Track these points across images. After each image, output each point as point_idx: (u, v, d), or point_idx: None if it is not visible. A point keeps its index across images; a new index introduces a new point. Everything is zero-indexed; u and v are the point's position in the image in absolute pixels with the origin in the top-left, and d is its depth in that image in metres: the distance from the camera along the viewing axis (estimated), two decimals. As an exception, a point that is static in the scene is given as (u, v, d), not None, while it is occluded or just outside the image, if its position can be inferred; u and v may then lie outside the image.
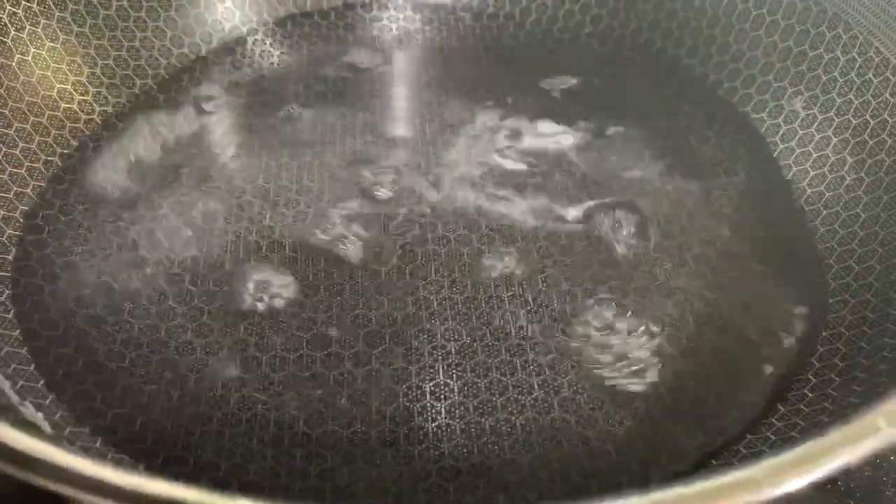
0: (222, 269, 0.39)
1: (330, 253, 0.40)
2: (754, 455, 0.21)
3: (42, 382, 0.34)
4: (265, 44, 0.54)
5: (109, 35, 0.48)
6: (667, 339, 0.37)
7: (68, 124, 0.45)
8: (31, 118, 0.43)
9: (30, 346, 0.35)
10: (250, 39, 0.54)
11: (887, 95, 0.41)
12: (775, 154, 0.46)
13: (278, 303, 0.38)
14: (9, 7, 0.43)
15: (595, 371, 0.36)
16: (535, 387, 0.35)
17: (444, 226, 0.42)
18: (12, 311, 0.36)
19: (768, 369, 0.36)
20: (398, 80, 0.52)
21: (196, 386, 0.35)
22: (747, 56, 0.49)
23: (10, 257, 0.39)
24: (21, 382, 0.33)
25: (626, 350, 0.37)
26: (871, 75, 0.42)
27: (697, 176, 0.45)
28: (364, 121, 0.48)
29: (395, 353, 0.36)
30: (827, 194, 0.43)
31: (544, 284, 0.39)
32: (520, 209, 0.43)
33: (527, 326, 0.37)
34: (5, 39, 0.43)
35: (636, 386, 0.35)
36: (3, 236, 0.39)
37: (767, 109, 0.48)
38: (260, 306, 0.38)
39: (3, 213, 0.40)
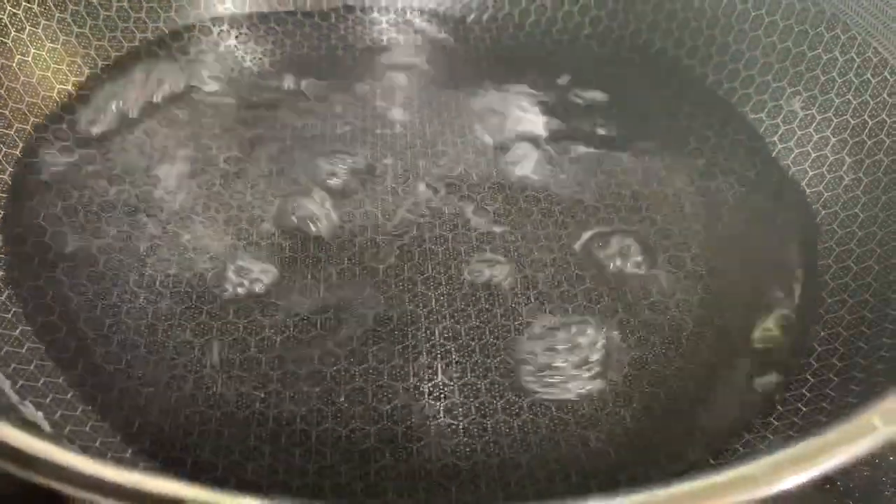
0: (222, 269, 0.39)
1: (327, 251, 0.40)
2: (753, 454, 0.21)
3: (41, 382, 0.34)
4: (265, 43, 0.54)
5: (110, 36, 0.49)
6: (665, 339, 0.37)
7: (68, 125, 0.45)
8: (32, 119, 0.43)
9: (29, 346, 0.36)
10: (251, 40, 0.54)
11: (885, 96, 0.41)
12: (774, 154, 0.46)
13: (277, 301, 0.38)
14: (9, 8, 0.43)
15: (593, 371, 0.36)
16: (535, 387, 0.35)
17: (442, 225, 0.42)
18: (12, 311, 0.37)
19: (767, 369, 0.36)
20: (397, 81, 0.52)
21: (194, 385, 0.35)
22: (746, 56, 0.49)
23: (9, 257, 0.39)
24: (21, 382, 0.33)
25: (626, 350, 0.37)
26: (869, 75, 0.42)
27: (696, 176, 0.45)
28: (363, 121, 0.48)
29: (393, 351, 0.36)
30: (825, 194, 0.43)
31: (543, 284, 0.39)
32: (518, 209, 0.43)
33: (526, 326, 0.37)
34: (6, 40, 0.43)
35: (635, 386, 0.35)
36: (2, 234, 0.39)
37: (766, 109, 0.48)
38: (258, 305, 0.38)
39: (3, 212, 0.40)
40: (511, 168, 0.45)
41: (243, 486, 0.31)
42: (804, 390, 0.35)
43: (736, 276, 0.40)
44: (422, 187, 0.44)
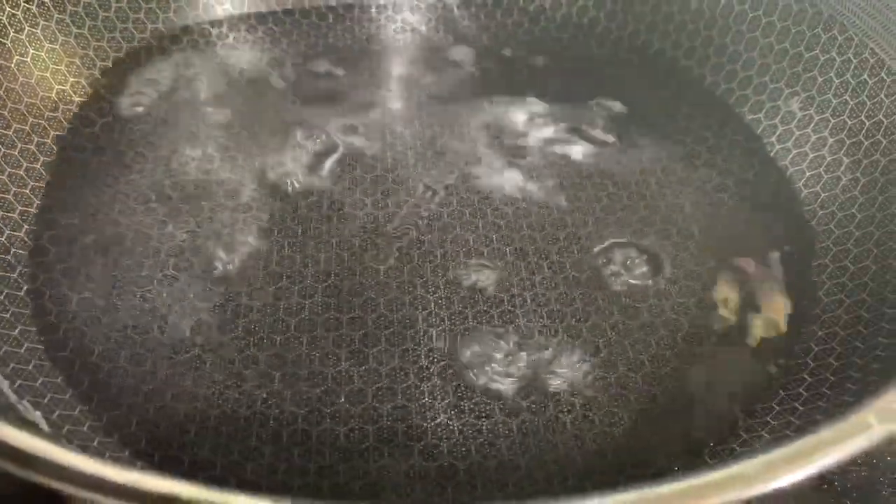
0: (219, 269, 0.40)
1: (328, 253, 0.41)
2: (749, 453, 0.22)
3: (40, 382, 0.34)
4: (264, 43, 0.54)
5: (108, 37, 0.49)
6: (662, 339, 0.37)
7: (67, 125, 0.45)
8: (31, 119, 0.43)
9: (27, 346, 0.36)
10: (250, 41, 0.54)
11: (882, 96, 0.42)
12: (772, 155, 0.46)
13: (276, 301, 0.38)
14: (8, 9, 0.43)
15: (592, 372, 0.36)
16: (532, 388, 0.35)
17: (442, 227, 0.42)
18: (10, 310, 0.37)
19: (764, 369, 0.36)
20: (396, 82, 0.52)
21: (193, 384, 0.35)
22: (744, 58, 0.49)
23: (8, 257, 0.39)
24: (19, 382, 0.33)
25: (622, 352, 0.37)
26: (866, 76, 0.42)
27: (694, 176, 0.46)
28: (362, 122, 0.49)
29: (393, 353, 0.36)
30: (823, 195, 0.43)
31: (540, 287, 0.39)
32: (515, 210, 0.43)
33: (525, 328, 0.37)
34: (4, 41, 0.43)
35: (631, 387, 0.35)
36: (2, 236, 0.39)
37: (764, 111, 0.48)
38: (258, 305, 0.38)
39: (2, 213, 0.40)
40: (510, 169, 0.45)
41: (242, 486, 0.31)
42: (801, 389, 0.35)
43: (734, 277, 0.40)
44: (420, 189, 0.44)
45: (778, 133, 0.47)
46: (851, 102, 0.43)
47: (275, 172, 0.45)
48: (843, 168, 0.43)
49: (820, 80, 0.45)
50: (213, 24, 0.54)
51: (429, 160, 0.46)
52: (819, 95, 0.45)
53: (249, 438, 0.33)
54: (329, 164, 0.46)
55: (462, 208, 0.43)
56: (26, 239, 0.40)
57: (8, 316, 0.36)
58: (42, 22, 0.45)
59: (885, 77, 0.41)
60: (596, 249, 0.41)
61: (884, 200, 0.40)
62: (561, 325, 0.38)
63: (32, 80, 0.44)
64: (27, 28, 0.44)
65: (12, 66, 0.43)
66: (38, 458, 0.21)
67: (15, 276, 0.38)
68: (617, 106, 0.50)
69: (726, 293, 0.39)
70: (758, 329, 0.38)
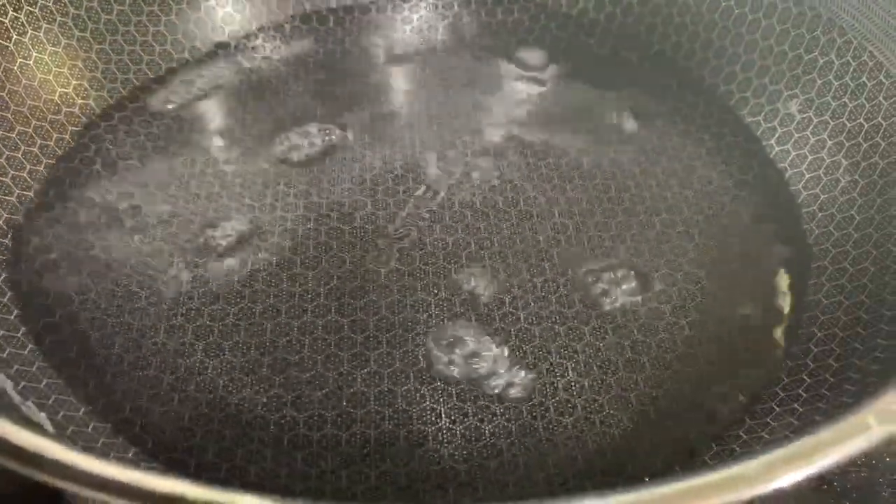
0: (222, 272, 0.40)
1: (329, 254, 0.41)
2: (748, 454, 0.22)
3: (44, 383, 0.34)
4: (265, 48, 0.54)
5: (111, 39, 0.49)
6: (663, 343, 0.37)
7: (70, 128, 0.46)
8: (34, 122, 0.43)
9: (32, 348, 0.36)
10: (251, 43, 0.54)
11: (881, 99, 0.42)
12: (771, 157, 0.46)
13: (279, 304, 0.38)
14: (11, 11, 0.43)
15: (591, 373, 0.36)
16: (533, 390, 0.35)
17: (443, 229, 0.42)
18: (14, 312, 0.37)
19: (763, 370, 0.36)
20: (397, 83, 0.53)
21: (196, 388, 0.35)
22: (743, 60, 0.49)
23: (11, 260, 0.39)
24: (23, 383, 0.33)
25: (622, 353, 0.37)
26: (865, 79, 0.43)
27: (693, 178, 0.46)
28: (362, 123, 0.49)
29: (394, 356, 0.36)
30: (822, 197, 0.43)
31: (542, 289, 0.39)
32: (518, 212, 0.43)
33: (526, 330, 0.38)
34: (7, 44, 0.43)
35: (631, 388, 0.36)
36: (6, 238, 0.39)
37: (763, 113, 0.48)
38: (259, 308, 0.38)
39: (6, 215, 0.40)
40: (510, 170, 0.46)
41: (245, 489, 0.31)
42: (800, 390, 0.35)
43: (732, 278, 0.40)
44: (421, 190, 0.44)
45: (777, 135, 0.47)
46: (850, 105, 0.43)
47: (275, 174, 0.45)
48: (841, 170, 0.43)
49: (819, 82, 0.45)
50: (219, 27, 0.54)
51: (429, 161, 0.46)
52: (818, 98, 0.45)
53: (252, 443, 0.33)
54: (329, 165, 0.46)
55: (463, 209, 0.43)
56: (31, 241, 0.40)
57: (12, 318, 0.36)
58: (45, 25, 0.45)
59: (884, 80, 0.42)
60: (596, 250, 0.41)
61: (882, 203, 0.40)
62: (562, 328, 0.38)
63: (35, 83, 0.44)
64: (30, 31, 0.44)
65: (15, 68, 0.43)
66: (44, 457, 0.21)
67: (18, 277, 0.38)
68: (616, 107, 0.50)
69: (726, 294, 0.40)
70: (757, 331, 0.38)
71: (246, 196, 0.44)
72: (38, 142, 0.43)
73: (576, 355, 0.37)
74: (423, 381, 0.35)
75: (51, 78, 0.45)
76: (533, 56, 0.54)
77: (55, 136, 0.44)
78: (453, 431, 0.34)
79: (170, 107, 0.49)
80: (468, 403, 0.35)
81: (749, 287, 0.40)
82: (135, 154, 0.46)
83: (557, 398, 0.35)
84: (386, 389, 0.35)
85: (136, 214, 0.42)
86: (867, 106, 0.42)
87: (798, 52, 0.47)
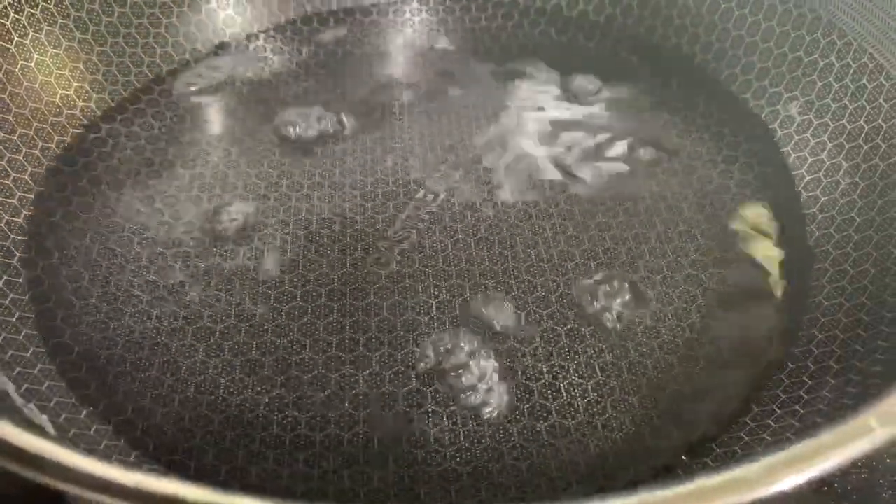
0: (222, 275, 0.40)
1: (330, 257, 0.41)
2: (750, 456, 0.22)
3: (46, 385, 0.34)
4: (266, 49, 0.54)
5: (112, 41, 0.49)
6: (665, 345, 0.37)
7: (71, 130, 0.46)
8: (35, 124, 0.43)
9: (34, 350, 0.36)
10: (252, 45, 0.54)
11: (881, 101, 0.42)
12: (772, 158, 0.46)
13: (279, 306, 0.38)
14: (12, 14, 0.43)
15: (593, 376, 0.36)
16: (535, 392, 0.35)
17: (443, 231, 0.42)
18: (16, 314, 0.37)
19: (764, 372, 0.36)
20: (398, 85, 0.53)
21: (197, 390, 0.35)
22: (743, 62, 0.50)
23: (13, 261, 0.39)
24: (25, 385, 0.33)
25: (624, 356, 0.37)
26: (865, 81, 0.43)
27: (692, 178, 0.46)
28: (363, 125, 0.49)
29: (396, 357, 0.36)
30: (822, 198, 0.43)
31: (541, 289, 0.40)
32: (517, 213, 0.43)
33: (526, 332, 0.38)
34: (9, 46, 0.43)
35: (633, 391, 0.36)
36: (7, 241, 0.39)
37: (763, 114, 0.48)
38: (261, 310, 0.38)
39: (7, 217, 0.40)
40: (510, 171, 0.46)
41: (246, 491, 0.31)
42: (801, 392, 0.35)
43: (733, 280, 0.40)
44: (421, 192, 0.44)
45: (777, 137, 0.47)
46: (850, 107, 0.43)
47: (275, 176, 0.45)
48: (841, 172, 0.43)
49: (819, 84, 0.45)
50: (220, 29, 0.54)
51: (429, 162, 0.46)
52: (818, 100, 0.45)
53: (253, 443, 0.33)
54: (329, 167, 0.46)
55: (463, 211, 0.43)
56: (31, 243, 0.40)
57: (13, 320, 0.36)
58: (46, 27, 0.45)
59: (884, 82, 0.42)
60: (596, 250, 0.41)
61: (883, 204, 0.40)
62: (564, 329, 0.38)
63: (36, 86, 0.44)
64: (31, 33, 0.44)
65: (16, 70, 0.43)
66: (46, 459, 0.21)
67: (20, 280, 0.38)
68: (615, 109, 0.50)
69: (727, 296, 0.40)
70: (758, 332, 0.38)
71: (248, 198, 0.44)
72: (40, 144, 0.43)
73: (577, 357, 0.37)
74: (425, 382, 0.35)
75: (52, 80, 0.45)
76: (532, 59, 0.54)
77: (56, 138, 0.45)
78: (455, 433, 0.34)
79: (171, 109, 0.49)
80: (470, 405, 0.35)
81: (750, 289, 0.40)
82: (136, 156, 0.46)
83: (559, 401, 0.35)
84: (388, 391, 0.35)
85: (136, 217, 0.42)
86: (867, 108, 0.42)
87: (798, 54, 0.47)
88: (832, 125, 0.44)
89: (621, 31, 0.55)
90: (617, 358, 0.37)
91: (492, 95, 0.51)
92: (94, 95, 0.48)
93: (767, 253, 0.41)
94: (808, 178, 0.44)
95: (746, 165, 0.46)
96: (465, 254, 0.41)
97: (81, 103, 0.47)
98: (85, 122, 0.47)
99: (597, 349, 0.37)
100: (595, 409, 0.35)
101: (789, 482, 0.21)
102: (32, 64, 0.44)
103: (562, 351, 0.37)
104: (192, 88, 0.51)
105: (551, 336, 0.37)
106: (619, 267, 0.41)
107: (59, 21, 0.46)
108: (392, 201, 0.44)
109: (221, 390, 0.35)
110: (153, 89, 0.50)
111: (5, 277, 0.38)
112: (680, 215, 0.44)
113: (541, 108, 0.50)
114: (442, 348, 0.37)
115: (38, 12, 0.45)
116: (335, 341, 0.37)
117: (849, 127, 0.43)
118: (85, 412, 0.34)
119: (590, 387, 0.36)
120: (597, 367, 0.36)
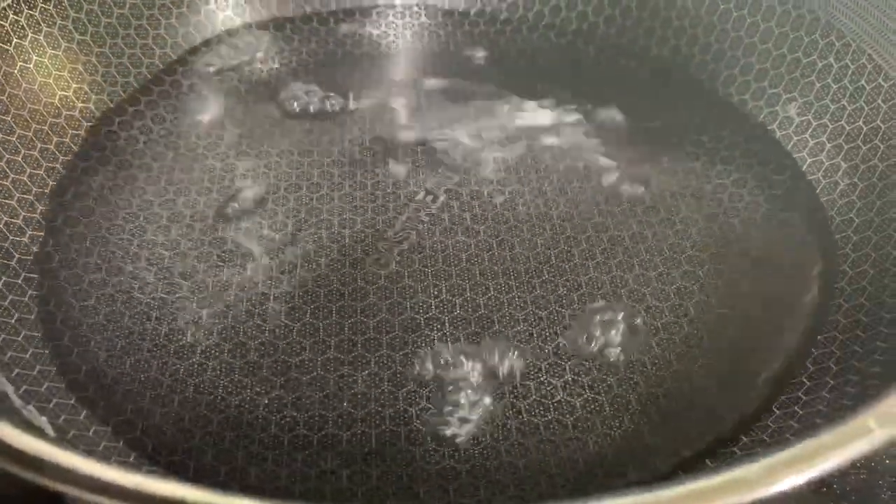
0: (221, 276, 0.40)
1: (330, 257, 0.41)
2: (749, 456, 0.22)
3: (45, 387, 0.34)
4: (264, 50, 0.54)
5: (111, 42, 0.49)
6: (663, 342, 0.38)
7: (70, 131, 0.46)
8: (34, 125, 0.43)
9: (32, 351, 0.36)
10: (250, 46, 0.54)
11: (880, 101, 0.42)
12: (769, 159, 0.46)
13: (278, 307, 0.38)
14: (11, 15, 0.43)
15: (591, 374, 0.36)
16: (532, 390, 0.35)
17: (442, 232, 0.42)
18: (15, 316, 0.37)
19: (763, 373, 0.37)
20: (397, 87, 0.53)
21: (196, 390, 0.35)
22: (742, 63, 0.50)
23: (12, 262, 0.39)
24: (24, 387, 0.33)
25: (623, 353, 0.37)
26: (863, 82, 0.43)
27: (692, 179, 0.46)
28: (361, 126, 0.49)
29: (394, 357, 0.36)
30: (821, 199, 0.43)
31: (541, 288, 0.40)
32: (516, 214, 0.43)
33: (524, 331, 0.38)
34: (7, 47, 0.43)
35: (632, 390, 0.36)
36: (5, 242, 0.39)
37: (762, 115, 0.48)
38: (260, 310, 0.38)
39: (6, 219, 0.40)
40: (508, 173, 0.46)
41: (245, 491, 0.32)
42: (800, 393, 0.35)
43: (730, 281, 0.40)
44: (421, 194, 0.44)
45: (775, 138, 0.47)
46: (849, 108, 0.44)
47: (275, 178, 0.45)
48: (840, 173, 0.43)
49: (818, 85, 0.45)
50: (219, 30, 0.54)
51: (429, 164, 0.46)
52: (817, 101, 0.45)
53: (252, 444, 0.33)
54: (328, 168, 0.46)
55: (463, 212, 0.43)
56: (30, 244, 0.40)
57: (13, 321, 0.36)
58: (45, 28, 0.45)
59: (883, 83, 0.42)
60: (595, 250, 0.41)
61: (881, 205, 0.40)
62: (560, 327, 0.38)
63: (35, 87, 0.44)
64: (30, 34, 0.44)
65: (15, 72, 0.43)
66: (45, 460, 0.21)
67: (19, 281, 0.38)
68: (613, 111, 0.50)
69: (724, 294, 0.40)
70: (756, 333, 0.38)
71: (247, 201, 0.44)
72: (39, 145, 0.43)
73: (575, 356, 0.37)
74: (423, 382, 0.36)
75: (51, 81, 0.45)
76: (531, 62, 0.54)
77: (55, 139, 0.44)
78: (453, 431, 0.34)
79: (169, 110, 0.49)
80: (468, 404, 0.35)
81: (747, 288, 0.40)
82: (134, 158, 0.46)
83: (558, 399, 0.35)
84: (386, 390, 0.35)
85: (135, 219, 0.42)
86: (866, 109, 0.43)
87: (797, 55, 0.47)
88: (830, 126, 0.44)
89: (620, 34, 0.55)
90: (616, 357, 0.37)
91: (490, 101, 0.51)
92: (93, 97, 0.48)
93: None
94: (806, 178, 0.44)
95: (745, 166, 0.46)
96: (465, 254, 0.41)
97: (80, 105, 0.47)
98: (84, 123, 0.47)
99: (594, 349, 0.37)
100: (593, 407, 0.35)
101: (789, 482, 0.21)
102: (31, 65, 0.44)
103: (560, 348, 0.37)
104: (191, 90, 0.51)
105: (549, 335, 0.37)
106: (617, 267, 0.41)
107: (58, 23, 0.46)
108: (392, 202, 0.44)
109: (220, 391, 0.35)
110: (152, 91, 0.50)
111: (4, 278, 0.38)
112: (678, 214, 0.44)
113: (540, 109, 0.50)
114: (443, 347, 0.37)
115: (36, 14, 0.45)
116: (334, 342, 0.37)
117: (847, 128, 0.43)
118: (84, 413, 0.34)
119: (588, 384, 0.36)
120: (595, 366, 0.36)
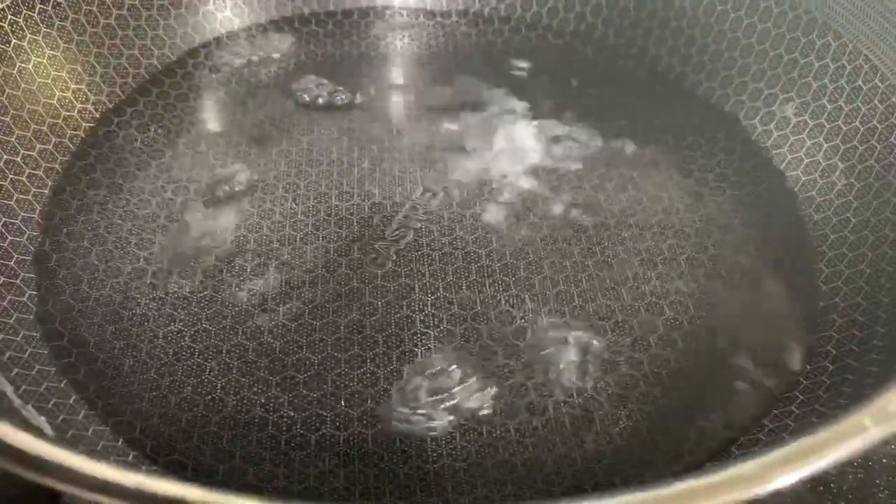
0: (219, 276, 0.40)
1: (327, 257, 0.41)
2: (746, 455, 0.22)
3: (44, 387, 0.34)
4: (263, 51, 0.54)
5: (110, 43, 0.49)
6: (661, 343, 0.38)
7: (69, 132, 0.46)
8: (33, 126, 0.43)
9: (31, 351, 0.36)
10: (248, 47, 0.54)
11: (876, 102, 0.42)
12: (767, 159, 0.46)
13: (275, 307, 0.38)
14: (10, 16, 0.43)
15: (591, 373, 0.36)
16: (531, 389, 0.35)
17: (440, 230, 0.42)
18: (14, 316, 0.37)
19: (761, 372, 0.37)
20: (395, 88, 0.53)
21: (194, 390, 0.35)
22: (739, 64, 0.50)
23: (11, 263, 0.39)
24: (23, 387, 0.33)
25: (621, 352, 0.37)
26: (860, 82, 0.43)
27: (690, 180, 0.46)
28: (359, 127, 0.49)
29: (391, 356, 0.37)
30: (818, 199, 0.43)
31: (540, 287, 0.40)
32: (515, 214, 0.43)
33: (522, 330, 0.38)
34: (6, 48, 0.43)
35: (630, 388, 0.36)
36: (4, 242, 0.39)
37: (759, 116, 0.48)
38: (257, 311, 0.38)
39: (4, 219, 0.40)
40: (507, 174, 0.46)
41: (243, 491, 0.32)
42: (797, 392, 0.35)
43: (728, 281, 0.41)
44: (419, 192, 0.44)
45: (773, 138, 0.47)
46: (846, 108, 0.44)
47: (273, 178, 0.45)
48: (837, 173, 0.43)
49: (815, 85, 0.46)
50: (217, 31, 0.54)
51: (427, 164, 0.46)
52: (814, 101, 0.45)
53: (250, 444, 0.33)
54: (326, 168, 0.46)
55: (460, 212, 0.43)
56: (29, 245, 0.40)
57: (11, 321, 0.36)
58: (44, 29, 0.45)
59: (879, 83, 0.42)
60: (594, 251, 0.41)
61: (878, 205, 0.40)
62: (559, 326, 0.38)
63: (34, 87, 0.44)
64: (29, 35, 0.44)
65: (14, 72, 0.43)
66: (44, 460, 0.22)
67: (18, 281, 0.38)
68: (611, 112, 0.50)
69: (722, 294, 0.40)
70: (754, 333, 0.38)
71: (244, 199, 0.44)
72: (37, 146, 0.43)
73: (574, 354, 0.37)
74: (420, 381, 0.36)
75: (49, 82, 0.45)
76: (529, 64, 0.54)
77: (54, 139, 0.45)
78: (451, 430, 0.34)
79: (167, 111, 0.49)
80: (466, 402, 0.35)
81: (745, 288, 0.40)
82: (132, 158, 0.46)
83: (555, 398, 0.35)
84: (383, 389, 0.35)
85: (133, 219, 0.42)
86: (863, 109, 0.43)
87: (794, 55, 0.47)
88: (827, 126, 0.44)
89: (617, 35, 0.55)
90: (613, 353, 0.37)
91: (488, 102, 0.51)
92: (92, 97, 0.48)
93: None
94: (803, 178, 0.44)
95: (743, 165, 0.46)
96: (462, 252, 0.41)
97: (79, 105, 0.47)
98: (83, 124, 0.47)
99: (592, 348, 0.37)
100: (591, 406, 0.35)
101: (785, 480, 0.21)
102: (30, 66, 0.44)
103: (558, 347, 0.37)
104: (190, 91, 0.51)
105: (547, 334, 0.38)
106: (616, 264, 0.41)
107: (57, 23, 0.46)
108: (389, 201, 0.44)
109: (218, 391, 0.35)
110: (150, 91, 0.50)
111: (2, 279, 0.38)
112: (675, 216, 0.44)
113: (533, 113, 0.50)
114: (440, 346, 0.37)
115: (35, 15, 0.45)
116: (331, 341, 0.37)
117: (844, 128, 0.43)
118: (83, 413, 0.34)
119: (586, 383, 0.36)
120: (594, 364, 0.36)
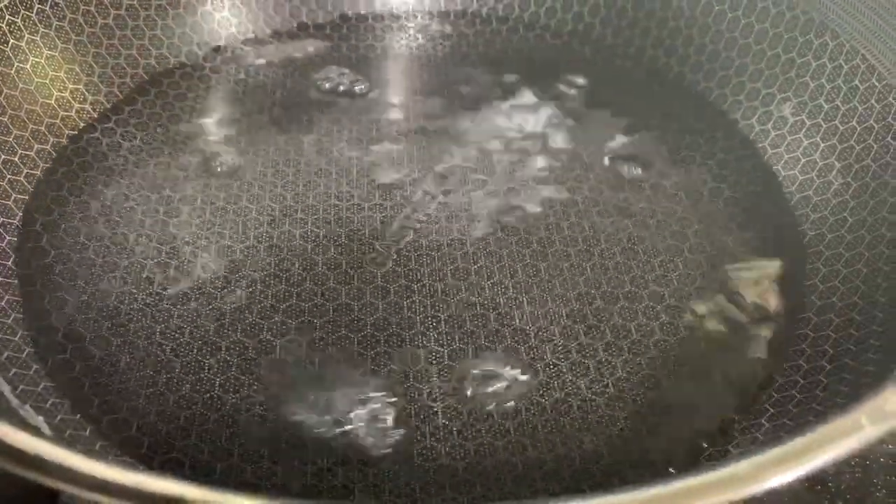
0: (220, 275, 0.40)
1: (326, 256, 0.41)
2: (742, 454, 0.22)
3: (41, 387, 0.34)
4: (261, 54, 0.54)
5: (107, 43, 0.49)
6: (659, 343, 0.38)
7: (66, 132, 0.46)
8: (30, 126, 0.43)
9: (29, 350, 0.36)
10: (247, 48, 0.54)
11: (873, 102, 0.42)
12: (764, 159, 0.47)
13: (276, 305, 0.38)
14: (8, 16, 0.43)
15: (588, 373, 0.36)
16: (530, 389, 0.36)
17: (439, 231, 0.42)
18: (12, 315, 0.37)
19: (758, 372, 0.37)
20: (394, 92, 0.53)
21: (192, 388, 0.35)
22: (736, 63, 0.50)
23: (8, 263, 0.39)
24: (21, 387, 0.33)
25: (619, 353, 0.37)
26: (857, 82, 0.43)
27: (687, 180, 0.46)
28: (358, 127, 0.49)
29: (391, 356, 0.37)
30: (815, 199, 0.43)
31: (538, 289, 0.40)
32: (515, 215, 0.43)
33: (521, 330, 0.38)
34: (4, 48, 0.43)
35: (628, 389, 0.36)
36: (2, 242, 0.39)
37: (756, 116, 0.48)
38: (256, 308, 0.38)
39: (3, 219, 0.40)
40: (506, 175, 0.46)
41: (242, 489, 0.32)
42: (794, 391, 0.35)
43: (726, 279, 0.41)
44: (419, 194, 0.45)
45: (770, 138, 0.47)
46: (843, 108, 0.44)
47: (272, 176, 0.45)
48: (834, 173, 0.43)
49: (812, 85, 0.46)
50: (215, 32, 0.54)
51: (427, 165, 0.46)
52: (811, 101, 0.46)
53: (248, 442, 0.33)
54: (326, 168, 0.46)
55: (460, 213, 0.43)
56: (26, 245, 0.40)
57: (9, 321, 0.36)
58: (42, 29, 0.45)
59: (876, 83, 0.42)
60: (592, 251, 0.41)
61: (874, 204, 0.40)
62: (557, 328, 0.38)
63: (32, 87, 0.44)
64: (27, 35, 0.44)
65: (12, 72, 0.43)
66: (42, 459, 0.22)
67: (16, 282, 0.38)
68: (610, 113, 0.50)
69: (720, 296, 0.40)
70: (752, 333, 0.38)
71: (243, 199, 0.44)
72: (35, 146, 0.43)
73: (571, 355, 0.37)
74: (420, 380, 0.36)
75: (47, 82, 0.45)
76: (529, 65, 0.55)
77: (52, 139, 0.45)
78: (450, 429, 0.34)
79: (166, 111, 0.49)
80: (464, 402, 0.35)
81: (742, 288, 0.40)
82: (131, 158, 0.46)
83: (554, 398, 0.35)
84: (382, 389, 0.35)
85: (132, 217, 0.42)
86: (859, 109, 0.43)
87: (791, 55, 0.47)
88: (824, 126, 0.44)
89: (614, 35, 0.55)
90: (611, 355, 0.37)
91: (488, 105, 0.51)
92: (90, 97, 0.48)
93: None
94: (800, 178, 0.45)
95: (741, 166, 0.47)
96: (461, 253, 0.41)
97: (77, 105, 0.47)
98: (80, 123, 0.47)
99: (592, 348, 0.37)
100: (589, 406, 0.35)
101: (781, 479, 0.21)
102: (28, 66, 0.44)
103: (556, 348, 0.37)
104: (188, 91, 0.51)
105: (545, 335, 0.38)
106: (614, 268, 0.41)
107: (55, 23, 0.46)
108: (389, 202, 0.44)
109: (217, 389, 0.35)
110: (149, 91, 0.50)
111: (1, 279, 0.38)
112: (673, 216, 0.44)
113: (540, 109, 0.50)
114: (439, 346, 0.37)
115: (33, 14, 0.45)
116: (331, 340, 0.37)
117: (841, 128, 0.44)
118: (80, 413, 0.34)
119: (583, 384, 0.36)
120: (591, 365, 0.36)
